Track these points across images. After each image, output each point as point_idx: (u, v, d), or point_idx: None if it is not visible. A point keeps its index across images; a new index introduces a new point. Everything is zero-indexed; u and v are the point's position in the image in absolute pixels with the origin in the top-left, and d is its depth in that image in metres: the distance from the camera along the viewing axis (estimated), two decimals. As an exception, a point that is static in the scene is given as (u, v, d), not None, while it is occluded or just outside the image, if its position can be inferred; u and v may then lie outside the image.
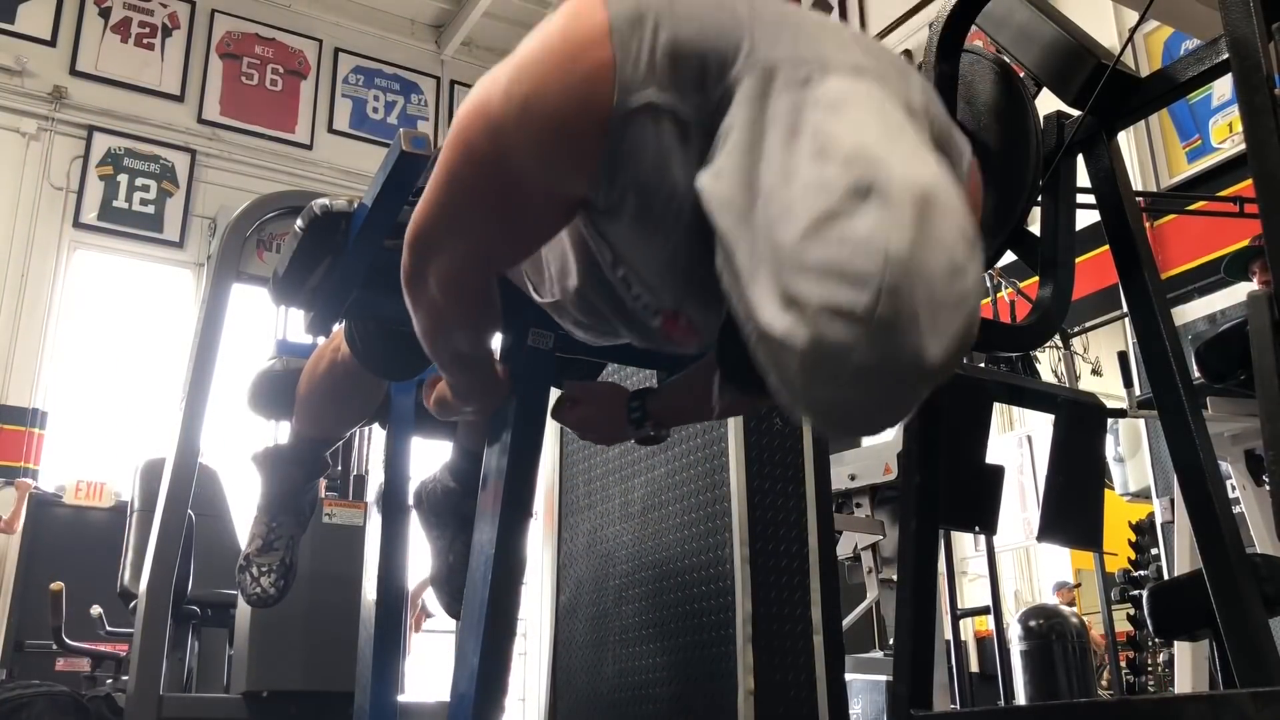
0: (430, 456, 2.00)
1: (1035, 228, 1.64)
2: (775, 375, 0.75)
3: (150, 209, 6.62)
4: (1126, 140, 4.89)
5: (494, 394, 1.27)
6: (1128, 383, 3.35)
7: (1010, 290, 4.08)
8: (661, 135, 0.87)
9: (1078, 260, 1.62)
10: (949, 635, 3.66)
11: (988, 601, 3.84)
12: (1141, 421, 3.91)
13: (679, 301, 1.02)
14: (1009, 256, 1.67)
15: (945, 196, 0.74)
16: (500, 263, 1.11)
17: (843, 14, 6.57)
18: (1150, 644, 4.51)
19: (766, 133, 0.79)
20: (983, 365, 3.03)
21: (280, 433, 2.37)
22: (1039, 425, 5.61)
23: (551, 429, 2.35)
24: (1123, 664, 4.60)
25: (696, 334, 1.07)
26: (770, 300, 0.73)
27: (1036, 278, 1.63)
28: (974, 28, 1.61)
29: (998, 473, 1.60)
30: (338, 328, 1.60)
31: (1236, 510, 2.35)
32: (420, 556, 1.93)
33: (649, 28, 0.85)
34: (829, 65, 0.84)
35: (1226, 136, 4.74)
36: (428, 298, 1.08)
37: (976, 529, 2.13)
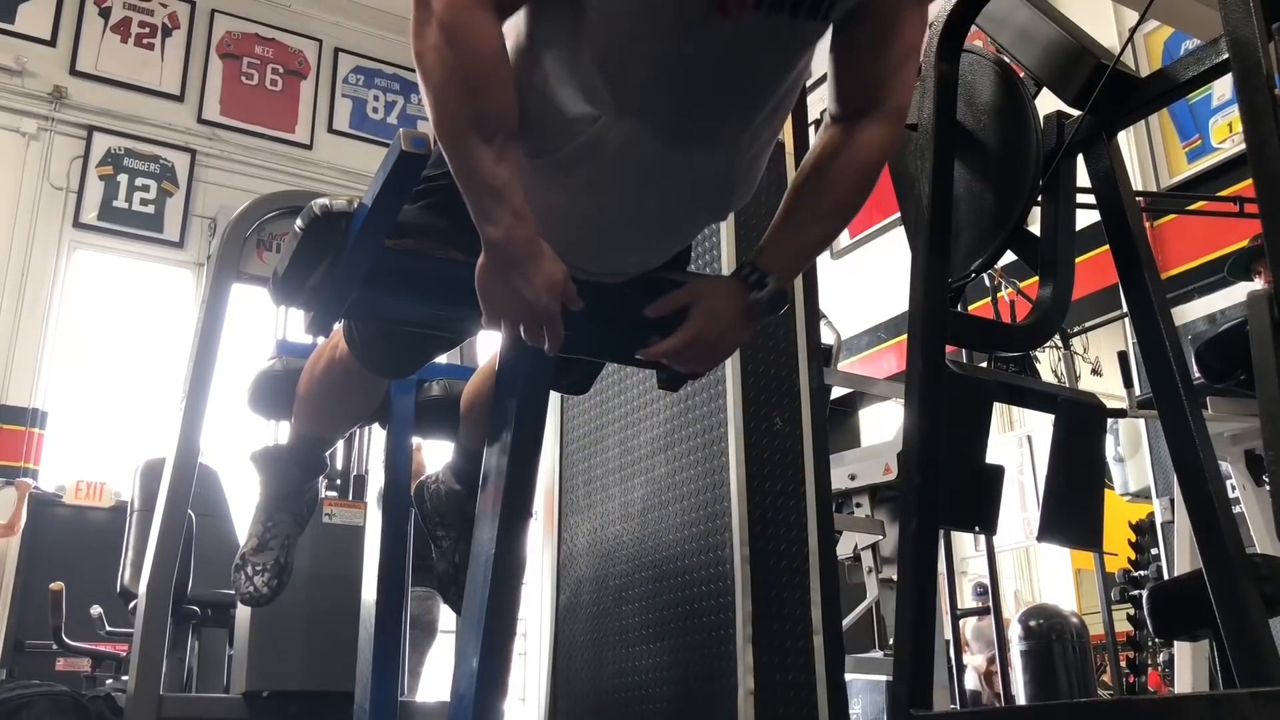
0: (431, 457, 2.00)
1: (1035, 228, 1.64)
2: None
3: (150, 209, 6.62)
4: (1126, 140, 4.89)
5: (559, 288, 1.16)
6: (1128, 383, 3.35)
7: (1010, 290, 4.08)
8: None
9: (1078, 260, 1.62)
10: (949, 635, 3.66)
11: (988, 601, 3.84)
12: (1141, 421, 3.91)
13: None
14: (1009, 256, 1.67)
15: None
16: (503, 77, 1.10)
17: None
18: (1150, 644, 4.51)
19: None
20: (983, 365, 3.03)
21: (280, 433, 2.37)
22: (1039, 425, 5.61)
23: (551, 429, 2.35)
24: (1123, 664, 4.60)
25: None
26: None
27: (1036, 278, 1.63)
28: (974, 28, 1.61)
29: (998, 473, 1.60)
30: (337, 327, 1.60)
31: (1236, 510, 2.35)
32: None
33: None
34: None
35: (1226, 136, 4.74)
36: (435, 56, 1.08)
37: (976, 529, 2.13)
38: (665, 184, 1.21)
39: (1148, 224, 4.41)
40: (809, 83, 1.37)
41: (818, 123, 1.36)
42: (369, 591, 2.00)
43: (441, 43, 1.07)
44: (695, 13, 1.08)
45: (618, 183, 1.19)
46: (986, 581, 3.84)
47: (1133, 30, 2.03)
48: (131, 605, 2.89)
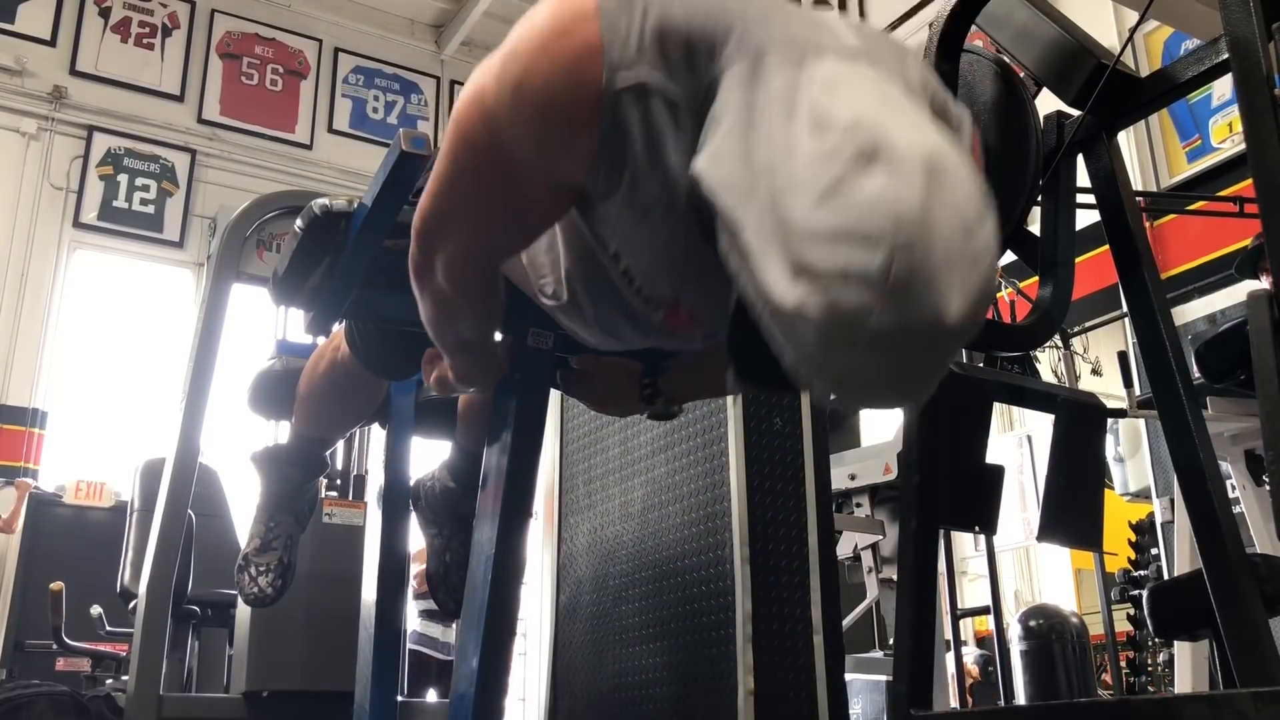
0: (430, 456, 2.01)
1: (1035, 227, 1.64)
2: (793, 349, 0.74)
3: (150, 209, 6.62)
4: (1126, 140, 4.89)
5: (494, 376, 1.28)
6: (1128, 383, 3.35)
7: (1010, 290, 4.08)
8: (652, 116, 0.87)
9: (1078, 260, 1.62)
10: (949, 635, 3.66)
11: (988, 601, 3.84)
12: (1141, 421, 3.91)
13: (677, 289, 1.02)
14: (1009, 256, 1.67)
15: (951, 159, 0.73)
16: (504, 251, 1.11)
17: (842, 14, 6.56)
18: (1150, 644, 4.51)
19: (763, 112, 0.79)
20: (982, 365, 3.03)
21: (280, 433, 2.37)
22: (1039, 425, 5.61)
23: (551, 429, 2.36)
24: (1123, 664, 4.60)
25: (699, 323, 1.07)
26: (781, 273, 0.71)
27: (1036, 278, 1.63)
28: (974, 28, 1.61)
29: (998, 473, 1.60)
30: (338, 327, 1.60)
31: (1236, 510, 2.36)
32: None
33: (638, 8, 0.85)
34: (822, 48, 0.83)
35: (1226, 136, 4.74)
36: (434, 286, 1.09)
37: (976, 529, 2.13)
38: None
39: (1148, 224, 4.42)
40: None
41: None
42: (369, 591, 2.01)
43: (443, 284, 1.08)
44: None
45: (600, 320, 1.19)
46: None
47: (1133, 30, 2.03)
48: (131, 605, 2.89)
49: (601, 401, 1.47)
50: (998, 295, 4.12)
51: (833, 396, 0.79)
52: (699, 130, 0.84)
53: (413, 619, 4.30)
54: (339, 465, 3.09)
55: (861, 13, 6.44)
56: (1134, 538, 4.82)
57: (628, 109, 0.86)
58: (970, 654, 5.55)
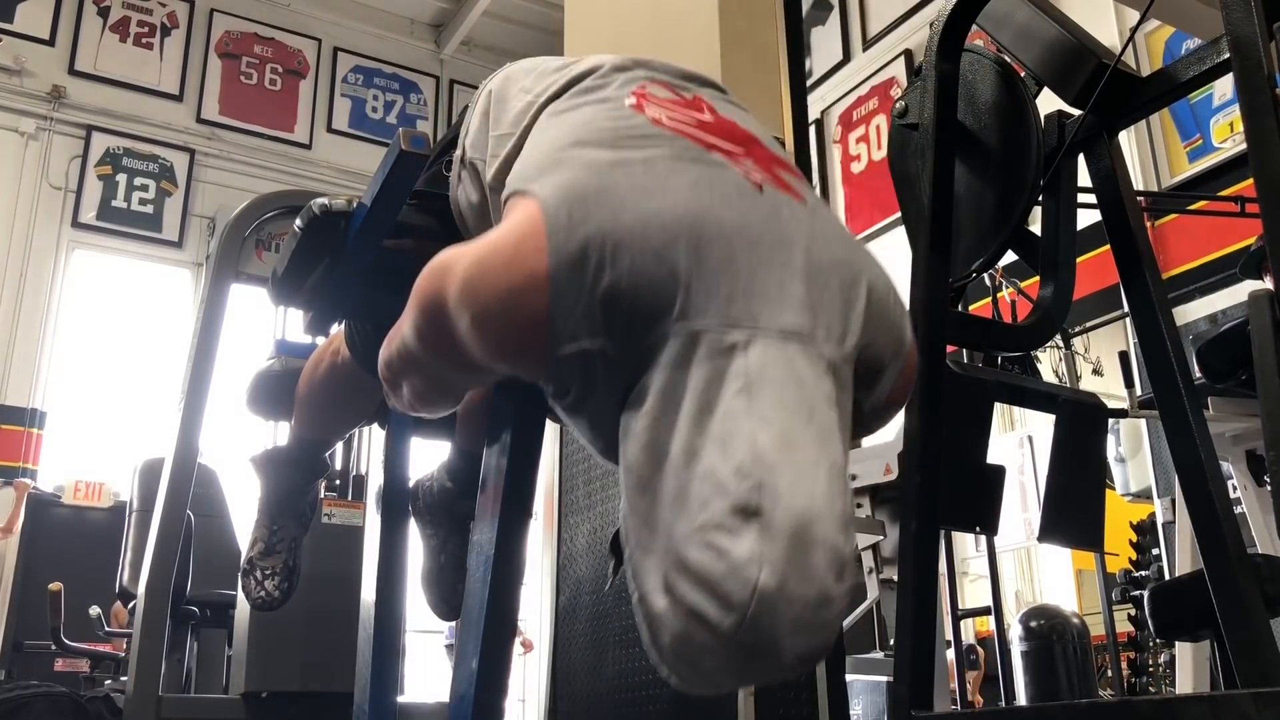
0: (430, 456, 2.00)
1: (1036, 227, 1.63)
2: (648, 637, 0.82)
3: (149, 209, 6.62)
4: (1127, 140, 4.89)
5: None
6: (1129, 383, 3.34)
7: (1011, 290, 4.08)
8: (593, 367, 0.93)
9: (1079, 260, 1.62)
10: (950, 635, 3.66)
11: (988, 602, 3.83)
12: (1143, 421, 3.91)
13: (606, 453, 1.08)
14: (1009, 256, 1.67)
15: (825, 525, 0.78)
16: (465, 390, 1.21)
17: (843, 14, 6.56)
18: (1151, 644, 4.50)
19: (681, 403, 0.84)
20: (983, 365, 3.03)
21: (279, 433, 2.36)
22: (1039, 425, 5.61)
23: (551, 429, 2.35)
24: (1124, 664, 4.59)
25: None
26: (653, 579, 0.80)
27: (1037, 277, 1.63)
28: (974, 27, 1.61)
29: (998, 473, 1.60)
30: (337, 328, 1.59)
31: (1237, 510, 2.35)
32: (419, 557, 1.92)
33: (589, 272, 0.88)
34: (757, 330, 0.86)
35: (1228, 136, 4.73)
36: (402, 400, 1.15)
37: (977, 529, 2.13)
38: None
39: (1149, 224, 4.41)
40: (809, 82, 1.38)
41: (818, 123, 1.37)
42: (369, 592, 2.00)
43: (413, 401, 1.14)
44: None
45: None
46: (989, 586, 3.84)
47: (1133, 30, 2.02)
48: (131, 605, 2.89)
49: None
50: (998, 295, 4.12)
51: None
52: (632, 379, 0.90)
53: None
54: (338, 466, 3.09)
55: (862, 13, 6.44)
56: (1135, 538, 4.81)
57: (570, 362, 0.92)
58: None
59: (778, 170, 1.02)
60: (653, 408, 0.86)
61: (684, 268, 0.88)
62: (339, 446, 3.00)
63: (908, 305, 1.05)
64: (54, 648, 3.63)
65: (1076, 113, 1.57)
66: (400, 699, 2.04)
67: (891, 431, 3.87)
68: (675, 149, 0.98)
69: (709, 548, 0.76)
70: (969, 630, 5.22)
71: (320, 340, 1.75)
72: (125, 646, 3.32)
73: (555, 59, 1.24)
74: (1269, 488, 2.64)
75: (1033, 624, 3.86)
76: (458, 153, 1.26)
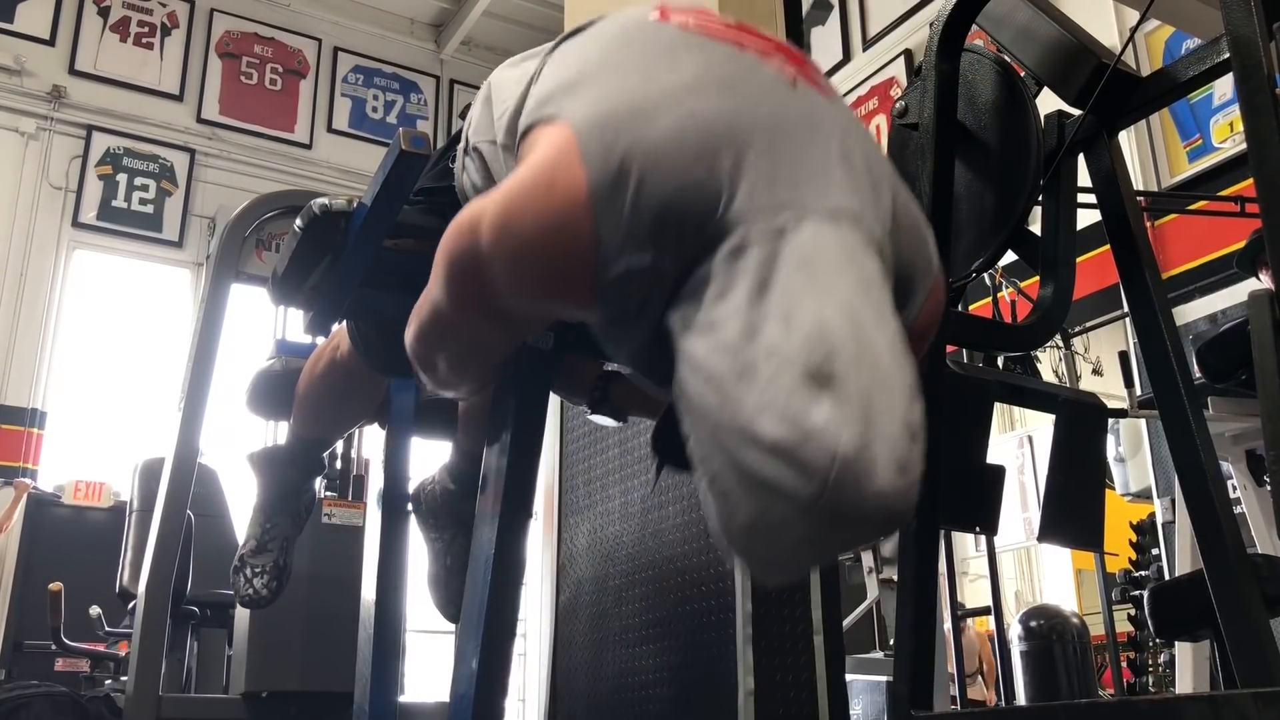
0: (430, 456, 2.00)
1: (1036, 227, 1.63)
2: (717, 522, 0.79)
3: (149, 208, 6.61)
4: (1127, 140, 4.88)
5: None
6: (1129, 383, 3.34)
7: (1011, 290, 4.08)
8: (643, 284, 0.89)
9: (1078, 260, 1.61)
10: (950, 635, 3.66)
11: (988, 602, 3.83)
12: (1142, 421, 3.91)
13: (638, 376, 1.08)
14: (1010, 256, 1.67)
15: (896, 390, 0.78)
16: (503, 352, 1.15)
17: (843, 14, 6.56)
18: (1151, 644, 4.50)
19: (736, 286, 0.81)
20: (983, 365, 3.03)
21: (279, 433, 2.36)
22: (1039, 425, 5.61)
23: (551, 429, 2.35)
24: (1123, 664, 4.59)
25: (647, 405, 1.13)
26: (723, 458, 0.76)
27: (1037, 277, 1.63)
28: (974, 27, 1.61)
29: (998, 473, 1.60)
30: (337, 328, 1.59)
31: (1237, 510, 2.35)
32: (419, 557, 1.92)
33: (630, 190, 0.86)
34: (805, 211, 0.84)
35: (1228, 136, 4.73)
36: (437, 375, 1.12)
37: (977, 529, 2.13)
38: None
39: (1149, 223, 4.41)
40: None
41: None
42: (369, 592, 2.00)
43: (446, 374, 1.12)
44: None
45: None
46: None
47: (1133, 30, 2.02)
48: (131, 605, 2.89)
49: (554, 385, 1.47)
50: (998, 295, 4.12)
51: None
52: (681, 287, 0.87)
53: None
54: (338, 466, 3.09)
55: (862, 14, 6.44)
56: (1135, 538, 4.81)
57: (618, 285, 0.89)
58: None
59: (807, 69, 0.99)
60: (710, 297, 0.83)
61: (726, 165, 0.86)
62: (339, 446, 3.00)
63: None
64: (54, 648, 3.63)
65: (1076, 113, 1.57)
66: (400, 699, 2.04)
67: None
68: (705, 50, 0.96)
69: (783, 419, 0.73)
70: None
71: (320, 340, 1.75)
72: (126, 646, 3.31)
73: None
74: (1269, 488, 2.64)
75: (1033, 624, 3.86)
76: (461, 145, 1.26)
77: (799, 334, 0.76)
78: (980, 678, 5.77)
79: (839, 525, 0.74)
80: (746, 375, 0.76)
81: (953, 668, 3.67)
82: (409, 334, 1.09)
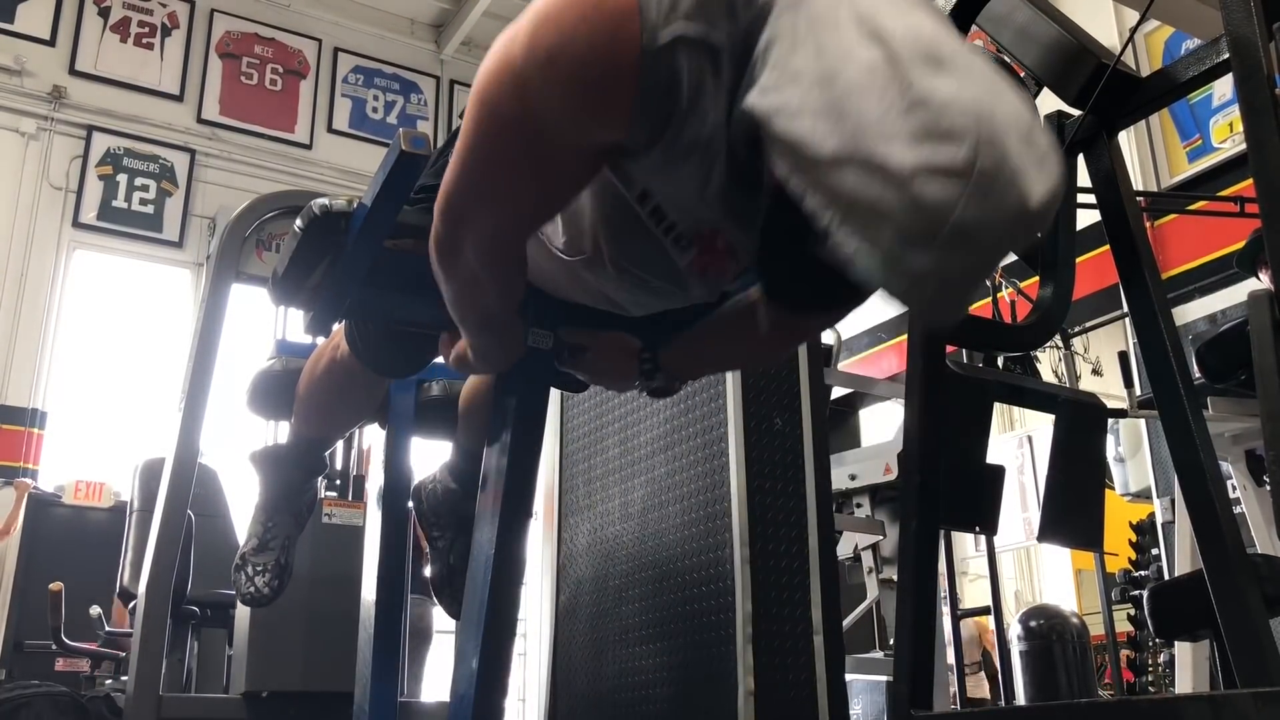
0: (430, 456, 2.00)
1: (1036, 227, 1.63)
2: (867, 252, 0.74)
3: (150, 209, 6.61)
4: (1127, 140, 4.89)
5: (515, 354, 1.25)
6: (1128, 383, 3.35)
7: (1010, 290, 4.08)
8: (693, 67, 0.85)
9: (1078, 260, 1.62)
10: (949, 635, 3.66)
11: (988, 602, 3.84)
12: (1142, 421, 3.92)
13: (716, 224, 1.01)
14: (1009, 256, 1.67)
15: (997, 70, 0.76)
16: (535, 221, 1.09)
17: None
18: (1151, 644, 4.51)
19: (811, 31, 0.78)
20: (983, 365, 3.03)
21: (279, 433, 2.36)
22: (1039, 425, 5.61)
23: (551, 429, 2.35)
24: (1123, 664, 4.60)
25: (733, 256, 1.05)
26: (857, 176, 0.72)
27: (1037, 278, 1.63)
28: (974, 27, 1.61)
29: (998, 473, 1.60)
30: (337, 327, 1.59)
31: (1237, 510, 2.35)
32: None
33: None
34: None
35: (1227, 136, 4.74)
36: (461, 264, 1.07)
37: (977, 529, 2.13)
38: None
39: (1148, 224, 4.41)
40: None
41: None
42: (369, 592, 2.00)
43: (473, 262, 1.06)
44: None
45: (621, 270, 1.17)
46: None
47: (1133, 30, 2.03)
48: (131, 605, 2.89)
49: (596, 374, 1.41)
50: (998, 295, 4.13)
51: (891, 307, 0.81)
52: (740, 71, 0.83)
53: None
54: (339, 465, 3.09)
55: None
56: (1134, 538, 4.82)
57: (668, 65, 0.84)
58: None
59: None
60: (784, 50, 0.79)
61: None
62: (339, 446, 3.00)
63: None
64: (54, 648, 3.63)
65: (1076, 113, 1.57)
66: (400, 699, 2.04)
67: (891, 431, 3.88)
68: None
69: (912, 105, 0.71)
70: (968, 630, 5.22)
71: (321, 340, 1.76)
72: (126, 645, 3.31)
73: None
74: (1269, 488, 2.64)
75: (1032, 624, 3.87)
76: None
77: (895, 40, 0.74)
78: (982, 671, 5.77)
79: (999, 186, 0.70)
80: (857, 91, 0.73)
81: (952, 663, 3.67)
82: (433, 230, 1.06)
